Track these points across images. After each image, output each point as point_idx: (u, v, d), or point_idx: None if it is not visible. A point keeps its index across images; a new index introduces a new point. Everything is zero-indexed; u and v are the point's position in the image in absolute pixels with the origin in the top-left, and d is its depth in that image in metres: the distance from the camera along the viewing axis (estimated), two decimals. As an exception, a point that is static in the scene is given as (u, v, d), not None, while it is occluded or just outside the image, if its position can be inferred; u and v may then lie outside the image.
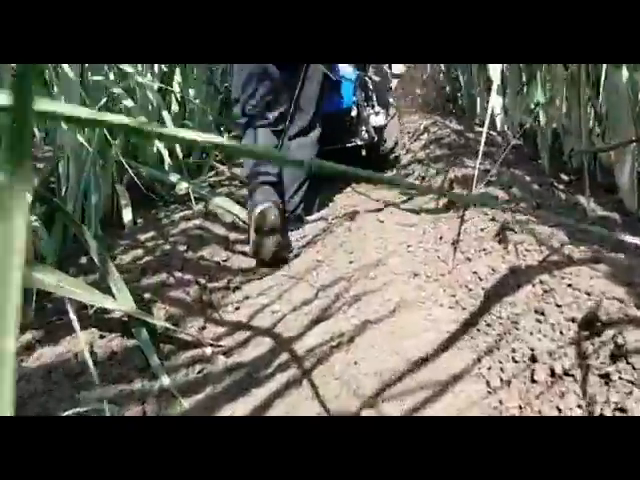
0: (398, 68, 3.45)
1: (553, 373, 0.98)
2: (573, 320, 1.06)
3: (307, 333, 1.41)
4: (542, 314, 1.13)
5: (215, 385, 1.24)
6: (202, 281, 1.59)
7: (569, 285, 1.14)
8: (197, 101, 2.62)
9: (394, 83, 3.14)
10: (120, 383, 1.11)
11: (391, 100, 3.01)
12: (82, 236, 1.16)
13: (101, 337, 1.17)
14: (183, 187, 2.00)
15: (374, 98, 2.84)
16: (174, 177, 2.02)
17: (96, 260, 1.17)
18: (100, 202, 1.83)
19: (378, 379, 1.19)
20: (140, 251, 1.56)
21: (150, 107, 2.14)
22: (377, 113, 2.80)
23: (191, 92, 2.56)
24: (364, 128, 2.72)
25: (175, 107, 2.60)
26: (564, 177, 1.91)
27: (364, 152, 2.78)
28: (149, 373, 1.20)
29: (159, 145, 2.14)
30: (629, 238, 1.15)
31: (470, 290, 1.45)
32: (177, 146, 2.06)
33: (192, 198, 1.91)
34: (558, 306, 1.12)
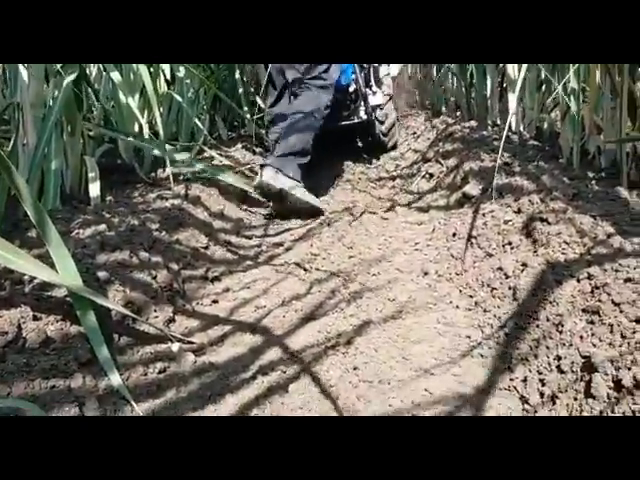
0: (393, 69, 3.45)
1: (619, 386, 0.74)
2: (639, 321, 0.83)
3: (297, 331, 1.17)
4: (595, 314, 0.89)
5: (179, 388, 0.99)
6: (174, 266, 1.34)
7: (628, 280, 0.91)
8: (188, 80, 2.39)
9: (389, 80, 3.18)
10: (52, 378, 0.86)
11: (388, 83, 3.06)
12: (17, 192, 0.92)
13: (35, 318, 0.92)
14: (168, 163, 1.75)
15: (372, 79, 2.90)
16: (156, 149, 1.77)
17: (33, 221, 0.92)
18: (64, 172, 1.59)
19: (382, 389, 0.94)
20: (102, 226, 1.31)
21: (132, 76, 1.90)
22: (375, 93, 2.86)
23: (182, 70, 2.34)
24: (362, 107, 2.79)
25: (163, 87, 2.37)
26: (593, 174, 1.69)
27: (362, 132, 2.99)
28: (94, 368, 0.94)
29: (141, 120, 1.90)
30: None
31: (493, 289, 1.21)
32: (160, 124, 1.81)
33: (171, 177, 1.67)
34: (615, 304, 0.88)
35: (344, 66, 2.62)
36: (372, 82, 2.96)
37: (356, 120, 2.86)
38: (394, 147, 3.11)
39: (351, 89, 2.80)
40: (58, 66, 1.56)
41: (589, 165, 1.81)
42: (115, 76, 1.66)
